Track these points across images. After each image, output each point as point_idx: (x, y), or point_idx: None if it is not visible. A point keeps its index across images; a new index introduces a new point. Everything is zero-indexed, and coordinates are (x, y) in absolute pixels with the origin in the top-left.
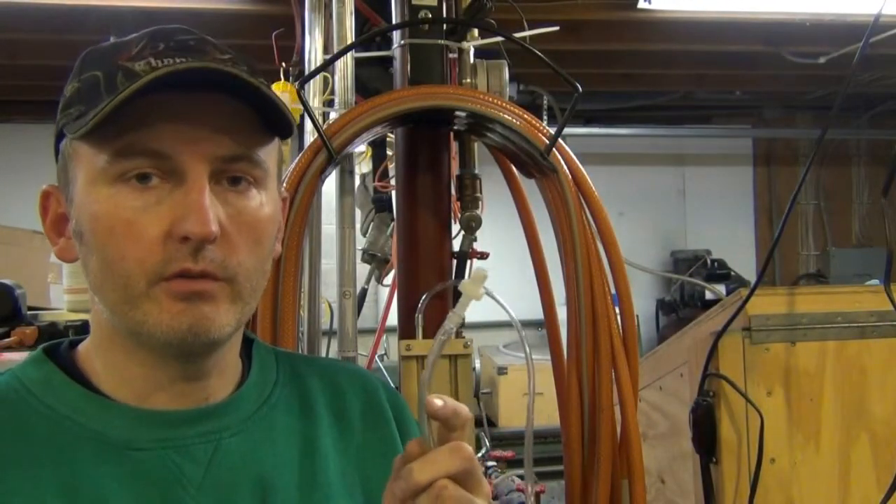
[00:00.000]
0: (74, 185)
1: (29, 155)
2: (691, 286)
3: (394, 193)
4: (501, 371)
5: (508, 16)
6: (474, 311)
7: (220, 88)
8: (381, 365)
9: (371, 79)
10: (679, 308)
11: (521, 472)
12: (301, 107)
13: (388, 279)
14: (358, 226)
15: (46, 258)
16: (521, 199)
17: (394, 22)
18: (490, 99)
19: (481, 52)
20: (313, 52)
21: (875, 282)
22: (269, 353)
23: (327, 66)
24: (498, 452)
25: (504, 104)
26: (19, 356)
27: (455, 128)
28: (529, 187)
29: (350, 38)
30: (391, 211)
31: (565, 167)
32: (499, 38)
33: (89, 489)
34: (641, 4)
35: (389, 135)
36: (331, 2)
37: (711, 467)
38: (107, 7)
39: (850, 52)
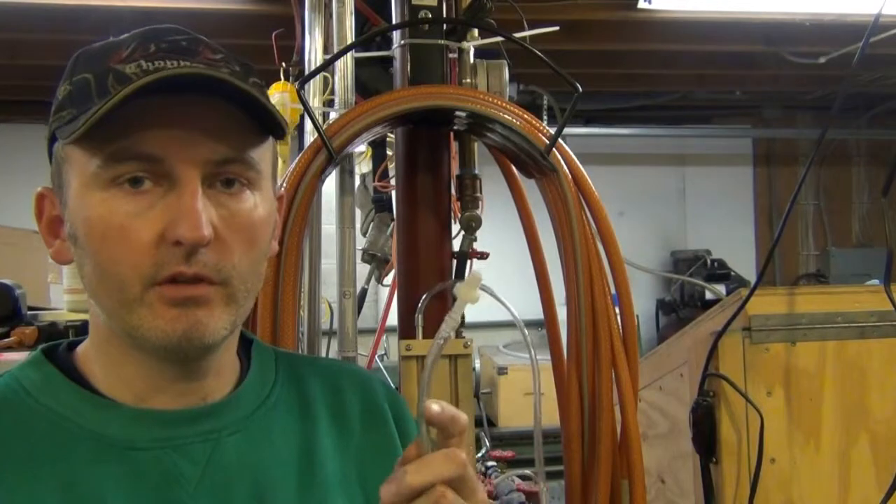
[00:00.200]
0: (68, 189)
1: (29, 155)
2: (691, 286)
3: (394, 193)
4: (501, 371)
5: (508, 16)
6: (475, 310)
7: (212, 91)
8: (381, 365)
9: (371, 79)
10: (679, 308)
11: (521, 472)
12: (301, 107)
13: (388, 279)
14: (358, 226)
15: (46, 258)
16: (521, 199)
17: (394, 22)
18: (490, 99)
19: (481, 52)
20: (313, 52)
21: (875, 282)
22: (268, 353)
23: (327, 66)
24: (498, 452)
25: (504, 104)
26: (19, 356)
27: (455, 128)
28: (529, 187)
29: (350, 38)
30: (391, 211)
31: (565, 167)
32: (499, 38)
33: (88, 488)
34: (641, 4)
35: (389, 135)
36: (331, 2)
37: (711, 467)
38: (106, 7)
39: (850, 52)
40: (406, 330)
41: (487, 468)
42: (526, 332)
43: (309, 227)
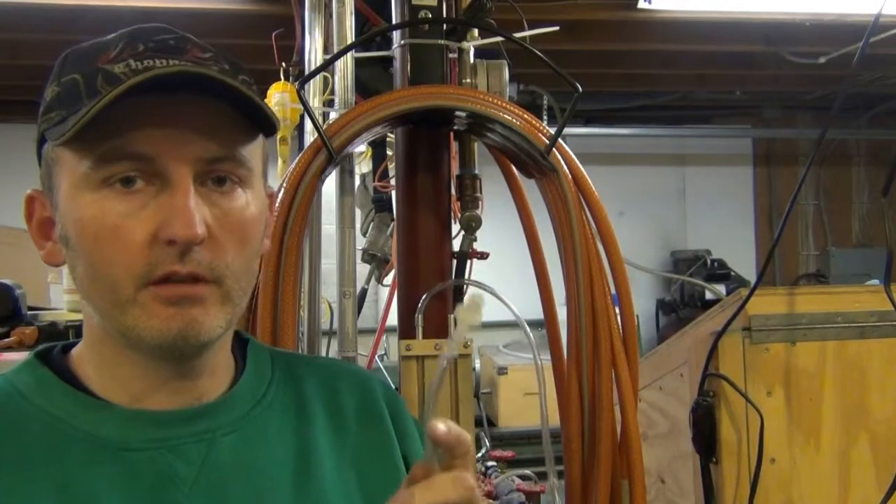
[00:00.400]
0: (58, 191)
1: (29, 155)
2: (691, 286)
3: (394, 193)
4: (501, 371)
5: (508, 16)
6: None
7: (201, 89)
8: (381, 365)
9: (371, 79)
10: (679, 308)
11: (521, 472)
12: (301, 107)
13: (388, 279)
14: (358, 226)
15: None
16: (521, 199)
17: (394, 22)
18: (490, 99)
19: (481, 52)
20: (313, 52)
21: (875, 282)
22: (264, 353)
23: (327, 66)
24: (498, 452)
25: (504, 104)
26: (19, 356)
27: (455, 128)
28: (529, 187)
29: (350, 38)
30: (391, 211)
31: (565, 167)
32: (499, 38)
33: (82, 489)
34: (641, 4)
35: (389, 135)
36: (331, 2)
37: (711, 467)
38: (106, 7)
39: (850, 52)
40: (406, 330)
41: (487, 468)
42: (529, 331)
43: (309, 227)
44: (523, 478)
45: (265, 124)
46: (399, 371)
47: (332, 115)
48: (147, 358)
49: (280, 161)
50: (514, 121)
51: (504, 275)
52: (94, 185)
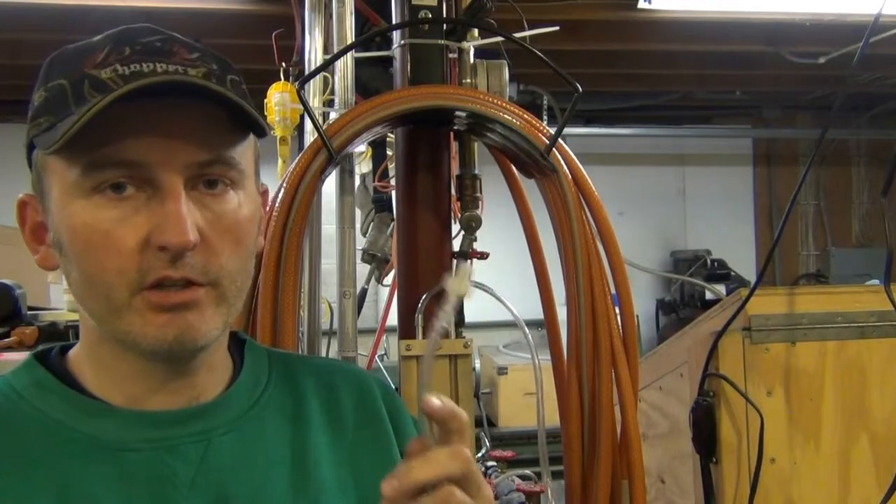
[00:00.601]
0: (49, 197)
1: None
2: (691, 286)
3: (394, 193)
4: (501, 371)
5: (508, 16)
6: (475, 310)
7: (189, 93)
8: (381, 365)
9: (371, 79)
10: (679, 308)
11: (521, 472)
12: (301, 107)
13: (388, 279)
14: (358, 226)
15: None
16: (521, 199)
17: (394, 22)
18: (490, 99)
19: (481, 52)
20: (313, 52)
21: (875, 282)
22: (261, 353)
23: (327, 66)
24: (498, 452)
25: (504, 104)
26: (19, 356)
27: (455, 128)
28: (529, 187)
29: (350, 38)
30: (391, 211)
31: (565, 167)
32: (499, 38)
33: (81, 490)
34: (641, 4)
35: (389, 135)
36: (331, 2)
37: (711, 467)
38: (106, 7)
39: (850, 52)
40: (406, 330)
41: (487, 468)
42: (527, 332)
43: (309, 227)
44: (523, 478)
45: (254, 125)
46: (399, 371)
47: (332, 115)
48: (143, 360)
49: (280, 161)
50: (514, 121)
51: (504, 275)
52: (85, 192)
